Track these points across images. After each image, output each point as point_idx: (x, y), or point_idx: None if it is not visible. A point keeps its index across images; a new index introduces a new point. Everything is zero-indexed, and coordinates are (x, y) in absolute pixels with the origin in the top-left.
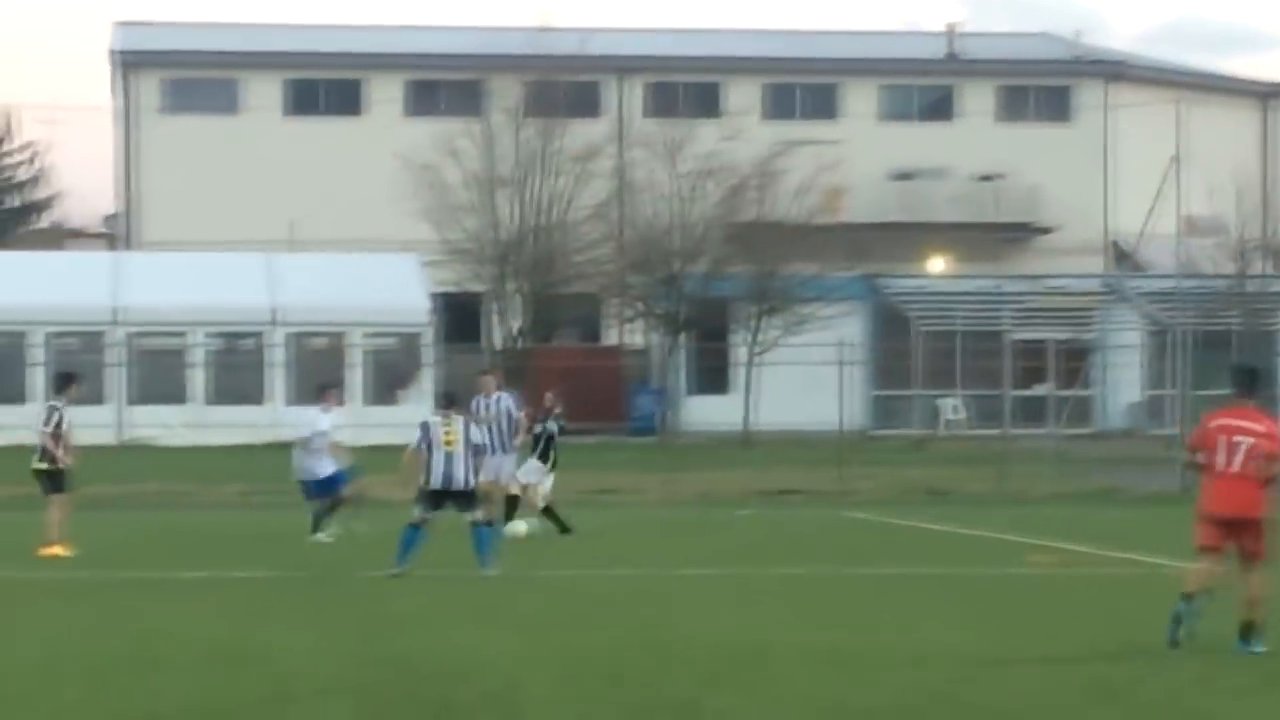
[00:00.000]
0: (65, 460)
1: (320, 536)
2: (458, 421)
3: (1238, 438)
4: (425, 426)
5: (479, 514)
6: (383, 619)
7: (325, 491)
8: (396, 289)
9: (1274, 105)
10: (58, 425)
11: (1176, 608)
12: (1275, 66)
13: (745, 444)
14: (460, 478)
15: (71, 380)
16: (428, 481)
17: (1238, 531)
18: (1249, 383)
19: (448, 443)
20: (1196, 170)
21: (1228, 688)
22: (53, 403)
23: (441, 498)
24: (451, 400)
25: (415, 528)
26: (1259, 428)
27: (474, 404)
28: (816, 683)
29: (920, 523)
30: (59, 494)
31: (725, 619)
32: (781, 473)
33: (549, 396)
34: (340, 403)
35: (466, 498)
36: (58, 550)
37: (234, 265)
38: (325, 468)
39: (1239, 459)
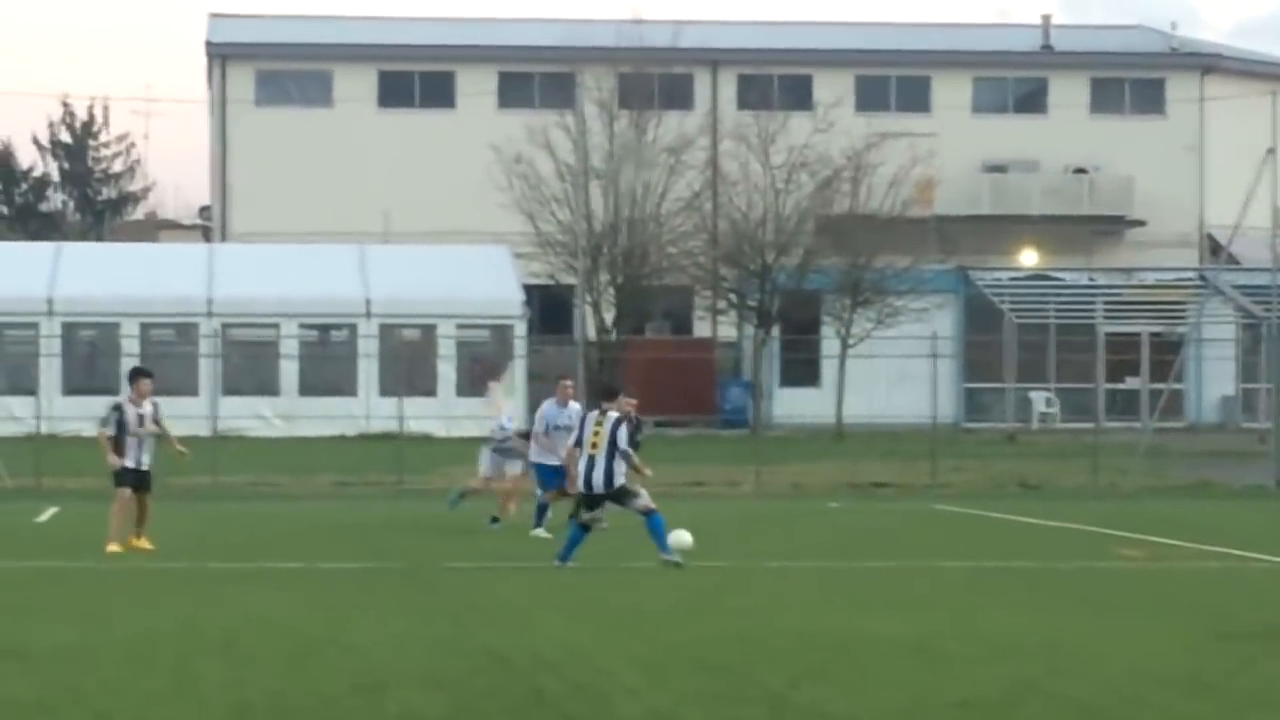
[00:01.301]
0: (116, 462)
1: (540, 531)
2: (608, 420)
3: None
4: (582, 422)
5: (638, 504)
6: (473, 610)
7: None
8: (488, 281)
9: None
10: (117, 425)
11: None
12: None
13: (836, 437)
14: (598, 481)
15: (140, 375)
16: (575, 481)
17: None
18: None
19: (593, 445)
20: None
21: None
22: (116, 400)
23: (590, 499)
24: (611, 393)
25: (581, 527)
26: None
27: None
28: (906, 674)
29: (1011, 516)
30: (123, 490)
31: (815, 611)
32: (872, 466)
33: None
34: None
35: (602, 500)
36: (115, 547)
37: (326, 257)
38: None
39: None
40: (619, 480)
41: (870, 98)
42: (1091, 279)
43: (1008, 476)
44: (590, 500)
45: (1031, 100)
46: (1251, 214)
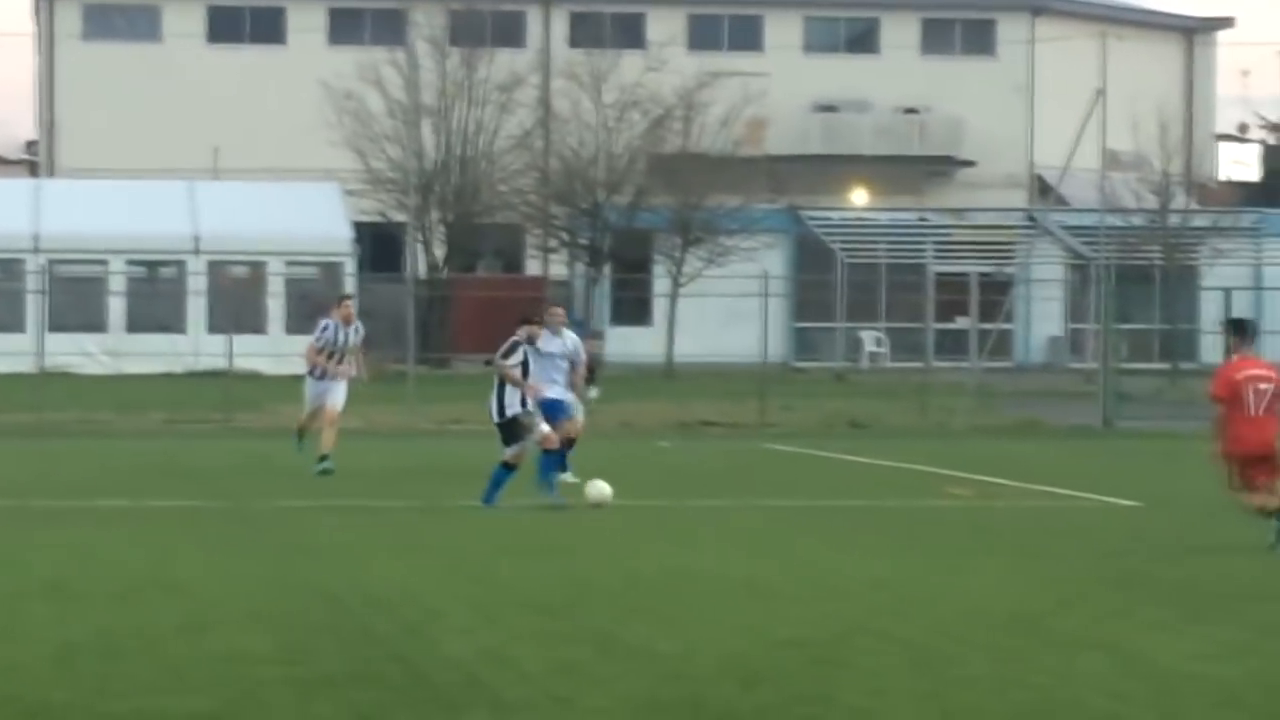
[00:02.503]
0: None
1: (567, 476)
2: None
3: (1262, 385)
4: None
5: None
6: (302, 550)
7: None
8: (318, 218)
9: (1198, 40)
10: None
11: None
12: (1197, 2)
13: (666, 376)
14: (491, 411)
15: None
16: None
17: (1258, 464)
18: (1252, 334)
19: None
20: (1120, 104)
21: (1145, 621)
22: None
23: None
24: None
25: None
26: (1272, 374)
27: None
28: (735, 613)
29: (841, 455)
30: None
31: (644, 550)
32: (702, 405)
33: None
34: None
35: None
36: None
37: (155, 193)
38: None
39: (1264, 404)
40: (509, 410)
41: (702, 36)
42: (922, 219)
43: (837, 415)
44: (502, 434)
45: (862, 40)
46: (1080, 155)
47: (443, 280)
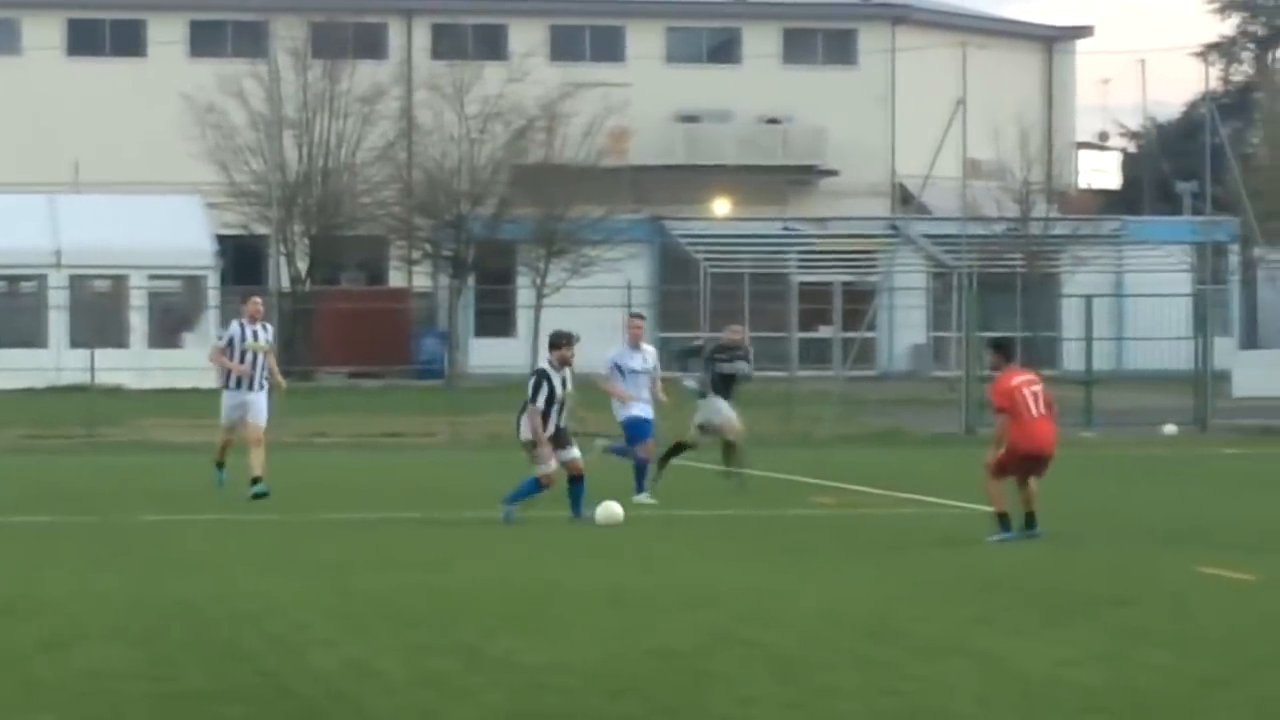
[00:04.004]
0: None
1: (643, 497)
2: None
3: (1035, 388)
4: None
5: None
6: (168, 564)
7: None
8: (180, 231)
9: (1057, 49)
10: None
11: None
12: (1057, 11)
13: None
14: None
15: None
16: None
17: (1039, 463)
18: (1014, 351)
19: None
20: (980, 113)
21: (1008, 627)
22: None
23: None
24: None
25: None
26: (1038, 380)
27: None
28: (600, 624)
29: (705, 464)
30: None
31: (511, 562)
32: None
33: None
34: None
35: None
36: None
37: (15, 207)
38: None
39: (1041, 404)
40: (522, 434)
41: (564, 47)
42: (785, 228)
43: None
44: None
45: (724, 50)
46: (941, 164)
47: (306, 293)
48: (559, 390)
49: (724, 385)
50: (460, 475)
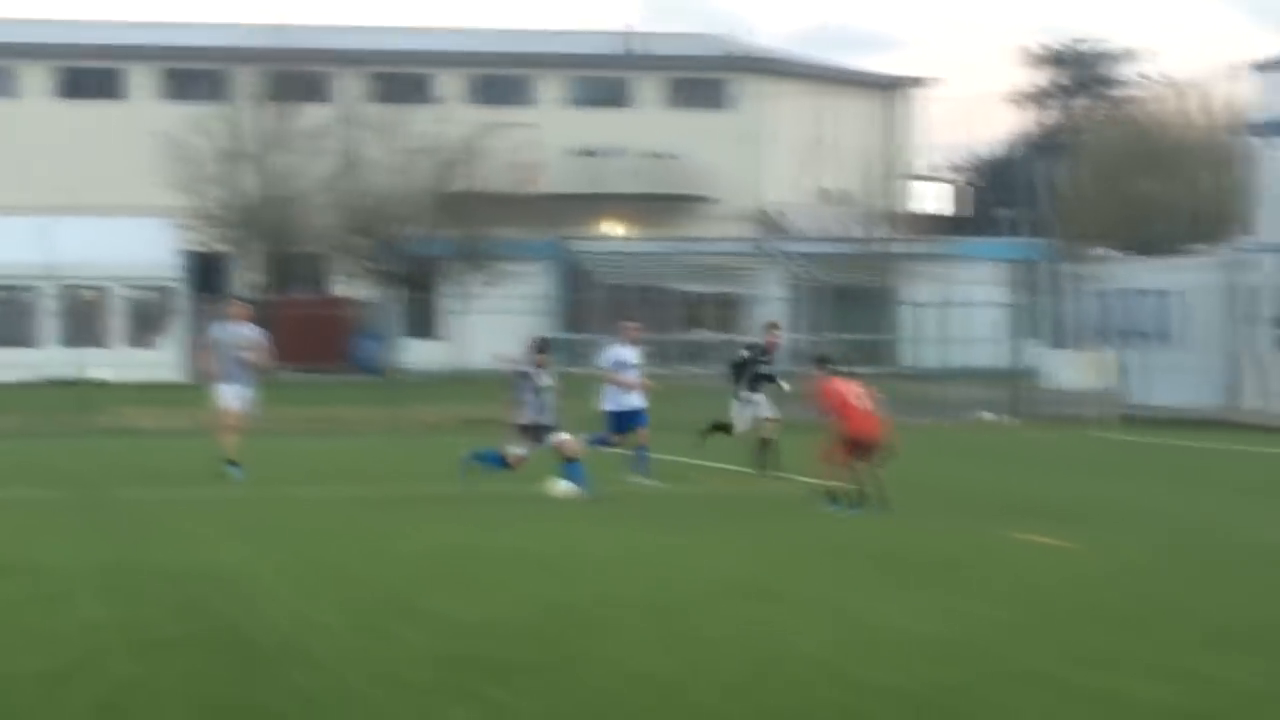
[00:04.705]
0: None
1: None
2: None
3: (859, 391)
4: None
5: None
6: (148, 535)
7: (626, 426)
8: (154, 249)
9: (900, 95)
10: None
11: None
12: (896, 63)
13: (455, 382)
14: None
15: None
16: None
17: (870, 450)
18: (833, 364)
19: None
20: (833, 150)
21: (857, 586)
22: None
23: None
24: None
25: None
26: (857, 386)
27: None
28: (518, 583)
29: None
30: None
31: (442, 530)
32: (485, 406)
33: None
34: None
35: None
36: None
37: (12, 228)
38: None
39: (867, 403)
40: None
41: (482, 93)
42: (669, 248)
43: (597, 416)
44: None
45: (618, 96)
46: (800, 193)
47: (262, 301)
48: (539, 387)
49: (762, 385)
50: (397, 457)
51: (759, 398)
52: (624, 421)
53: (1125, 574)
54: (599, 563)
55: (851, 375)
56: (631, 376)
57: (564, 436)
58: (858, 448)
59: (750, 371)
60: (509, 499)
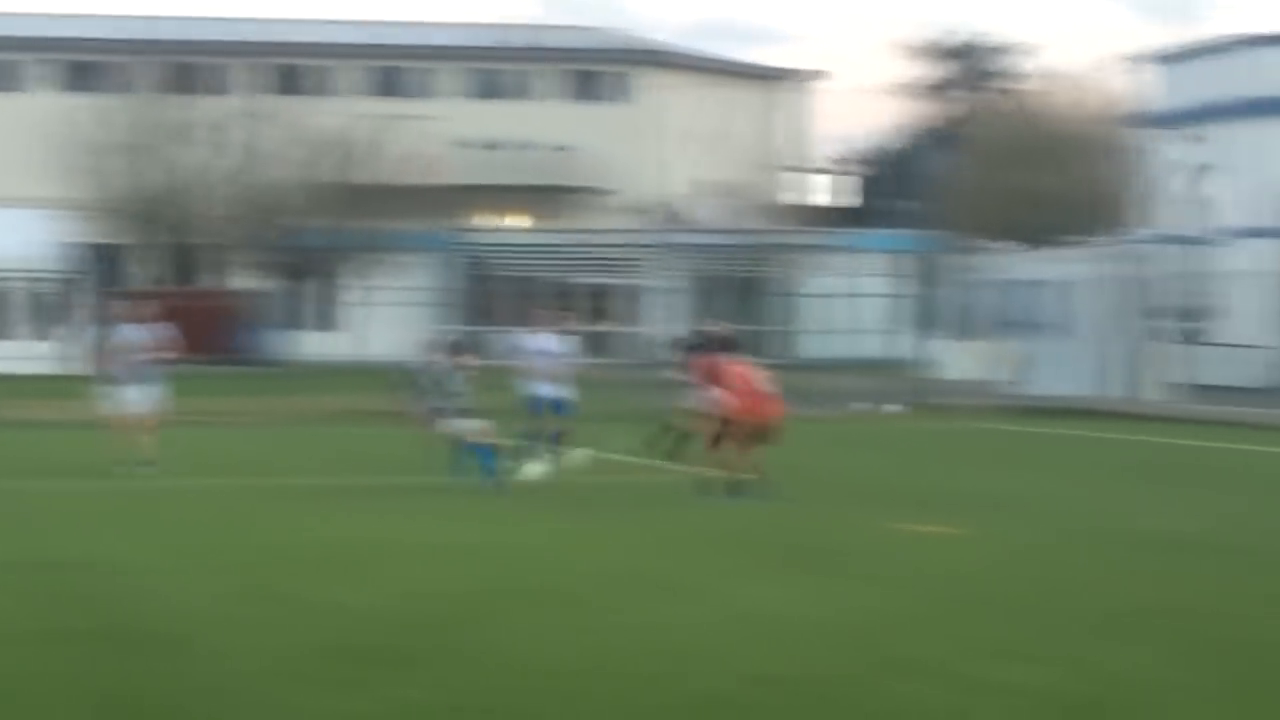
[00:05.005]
0: None
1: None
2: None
3: (753, 371)
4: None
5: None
6: (32, 524)
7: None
8: (52, 240)
9: (793, 89)
10: None
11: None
12: (786, 56)
13: (351, 373)
14: None
15: None
16: None
17: (760, 434)
18: (729, 346)
19: None
20: (730, 142)
21: (742, 573)
22: None
23: None
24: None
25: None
26: (751, 367)
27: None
28: (418, 573)
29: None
30: None
31: (329, 521)
32: (379, 397)
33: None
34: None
35: None
36: None
37: None
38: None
39: (762, 383)
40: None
41: (381, 85)
42: (568, 239)
43: (498, 405)
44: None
45: (516, 88)
46: (697, 185)
47: (160, 292)
48: (445, 384)
49: None
50: (285, 447)
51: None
52: (545, 407)
53: (1014, 562)
54: (493, 553)
55: (743, 357)
56: (553, 365)
57: (476, 425)
58: (748, 430)
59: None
60: (404, 490)
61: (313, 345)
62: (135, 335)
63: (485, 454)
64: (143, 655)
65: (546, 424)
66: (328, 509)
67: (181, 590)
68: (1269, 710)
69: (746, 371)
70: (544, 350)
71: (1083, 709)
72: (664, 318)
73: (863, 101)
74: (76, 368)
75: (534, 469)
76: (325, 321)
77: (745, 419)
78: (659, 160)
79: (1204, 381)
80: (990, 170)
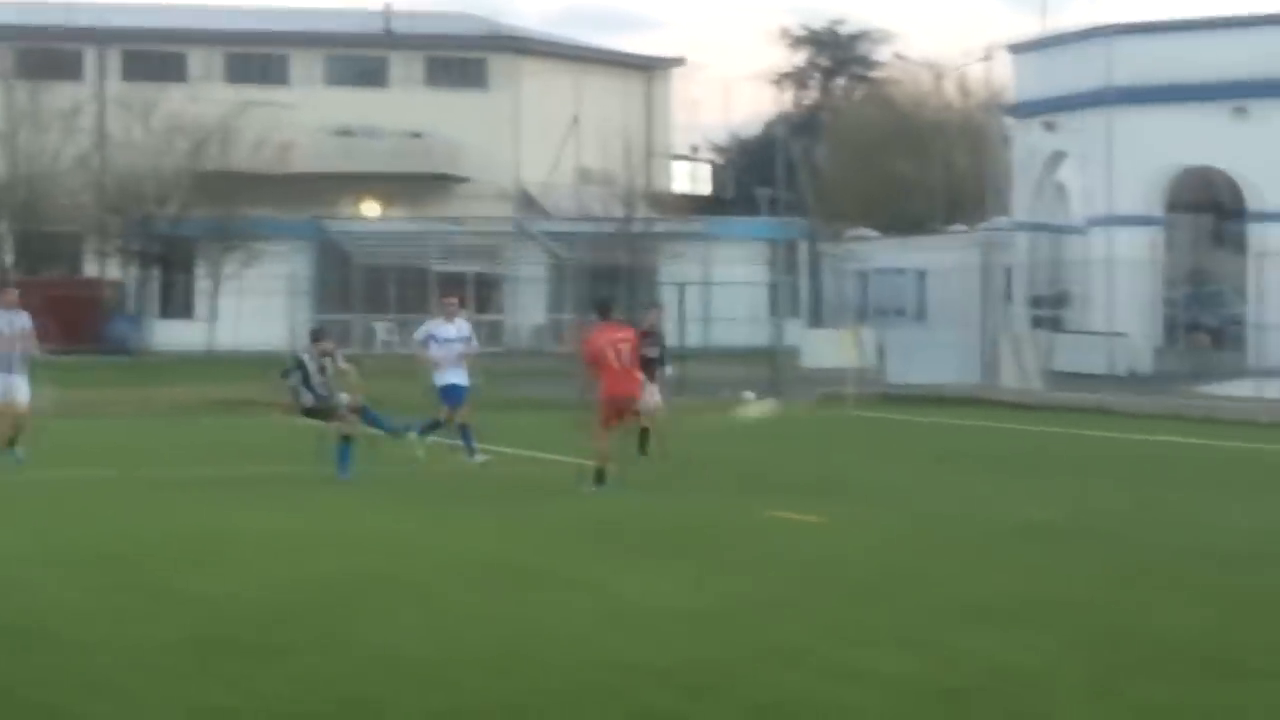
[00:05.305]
0: None
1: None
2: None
3: (621, 345)
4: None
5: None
6: None
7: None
8: None
9: (657, 75)
10: None
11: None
12: (653, 44)
13: (210, 362)
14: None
15: None
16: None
17: (623, 412)
18: (610, 309)
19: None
20: (592, 130)
21: (613, 562)
22: None
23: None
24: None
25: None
26: (630, 335)
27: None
28: (281, 564)
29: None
30: None
31: (194, 511)
32: (240, 386)
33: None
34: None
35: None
36: None
37: None
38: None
39: (625, 358)
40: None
41: (238, 72)
42: (426, 227)
43: (364, 395)
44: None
45: (375, 75)
46: (558, 173)
47: (12, 283)
48: (314, 373)
49: (646, 369)
50: (149, 439)
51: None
52: (450, 396)
53: (879, 549)
54: (360, 543)
55: (624, 323)
56: (448, 352)
57: (341, 412)
58: (613, 406)
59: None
60: (271, 480)
61: (173, 335)
62: (3, 323)
63: (344, 444)
64: (10, 649)
65: (457, 413)
66: (196, 500)
67: (43, 582)
68: (1132, 695)
69: (617, 339)
70: (452, 338)
71: (950, 696)
72: (527, 306)
73: (729, 89)
74: None
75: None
76: (182, 311)
77: (609, 395)
78: (521, 148)
79: (1063, 369)
80: (854, 158)
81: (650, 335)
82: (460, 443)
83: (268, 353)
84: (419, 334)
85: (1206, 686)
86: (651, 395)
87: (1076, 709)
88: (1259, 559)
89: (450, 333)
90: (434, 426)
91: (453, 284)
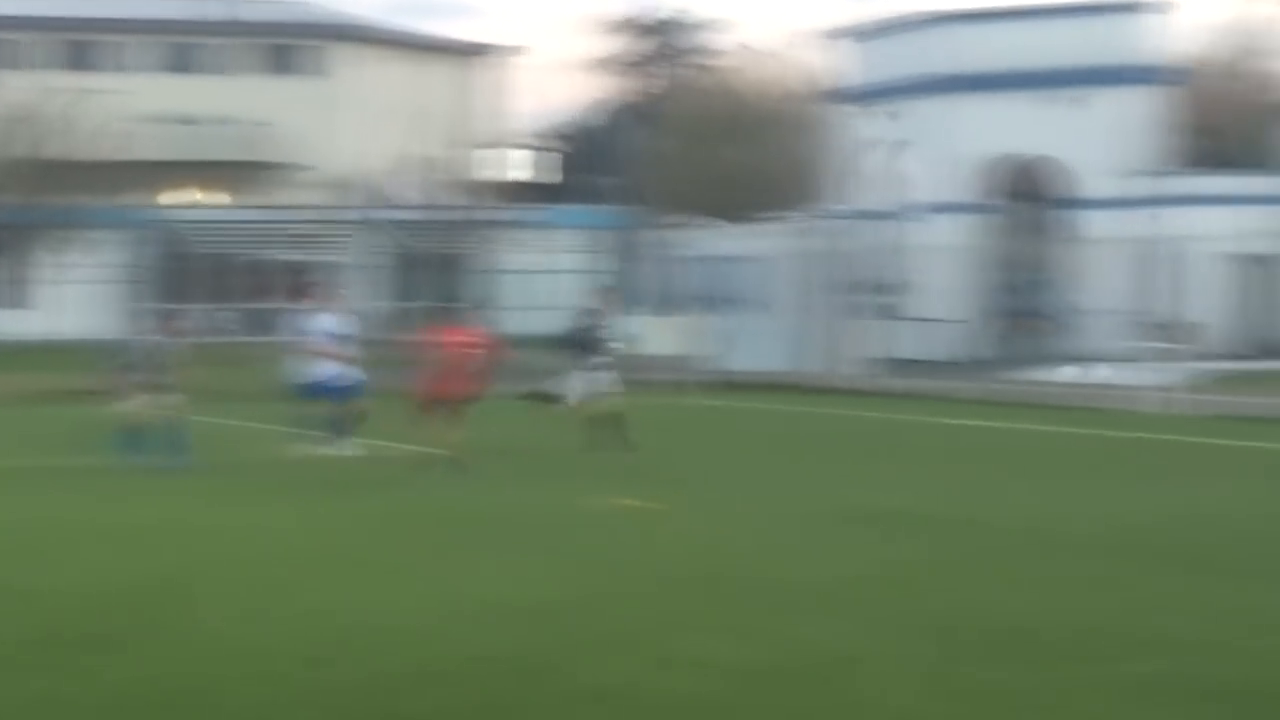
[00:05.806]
0: None
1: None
2: None
3: (462, 347)
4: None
5: None
6: None
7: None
8: None
9: (481, 63)
10: None
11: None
12: (479, 30)
13: (46, 351)
14: None
15: None
16: None
17: (455, 409)
18: (462, 311)
19: None
20: (421, 117)
21: (456, 554)
22: None
23: None
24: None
25: None
26: (473, 338)
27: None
28: (111, 556)
29: (202, 417)
30: None
31: (27, 503)
32: (73, 376)
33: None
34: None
35: None
36: None
37: None
38: (324, 371)
39: (463, 360)
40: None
41: (75, 59)
42: (261, 215)
43: (202, 385)
44: None
45: (209, 62)
46: (390, 160)
47: None
48: (153, 359)
49: (602, 354)
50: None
51: (602, 369)
52: (321, 391)
53: (718, 536)
54: (190, 534)
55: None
56: (336, 345)
57: (172, 401)
58: (439, 403)
59: (592, 341)
60: (102, 471)
61: (9, 324)
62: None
63: (173, 432)
64: None
65: (324, 409)
66: (26, 491)
67: None
68: (962, 680)
69: (454, 344)
70: (328, 330)
71: (785, 682)
72: (363, 294)
73: (561, 77)
74: None
75: (333, 449)
76: (17, 299)
77: (435, 391)
78: (356, 136)
79: (899, 355)
80: (688, 146)
81: (604, 319)
82: (320, 431)
83: (105, 341)
84: (313, 325)
85: (1034, 669)
86: (607, 383)
87: (909, 692)
88: (1078, 545)
89: (342, 328)
90: (343, 424)
91: (293, 273)
